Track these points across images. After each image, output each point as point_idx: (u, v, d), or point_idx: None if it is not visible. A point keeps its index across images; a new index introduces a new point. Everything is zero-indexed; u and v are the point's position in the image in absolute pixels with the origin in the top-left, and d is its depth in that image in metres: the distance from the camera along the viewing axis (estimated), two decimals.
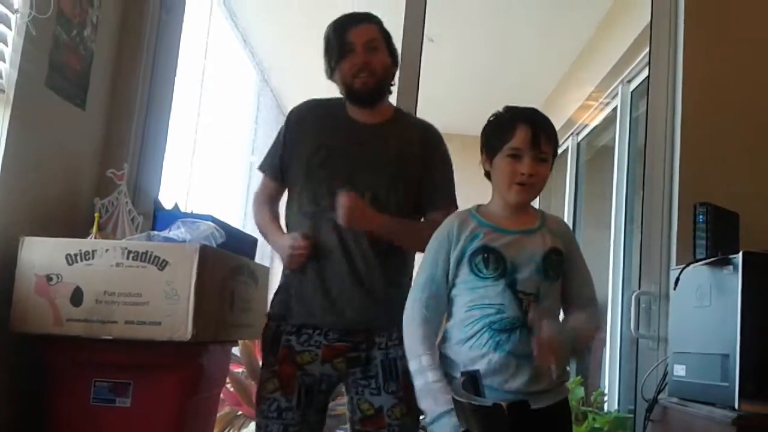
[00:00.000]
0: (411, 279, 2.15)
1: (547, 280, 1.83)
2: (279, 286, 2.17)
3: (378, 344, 2.07)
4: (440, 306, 1.87)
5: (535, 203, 2.02)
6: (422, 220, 2.18)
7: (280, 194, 2.27)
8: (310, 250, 2.05)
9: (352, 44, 2.09)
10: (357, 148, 2.11)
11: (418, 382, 1.80)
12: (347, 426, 2.16)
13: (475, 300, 1.82)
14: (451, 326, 1.86)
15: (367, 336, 2.07)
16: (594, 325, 1.96)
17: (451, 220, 1.91)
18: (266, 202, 2.26)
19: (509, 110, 1.89)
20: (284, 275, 2.17)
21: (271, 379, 2.07)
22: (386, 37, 2.18)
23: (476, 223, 1.86)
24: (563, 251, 1.87)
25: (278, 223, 2.23)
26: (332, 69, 2.14)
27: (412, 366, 1.82)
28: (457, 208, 2.16)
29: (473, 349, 1.79)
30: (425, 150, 2.18)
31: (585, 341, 1.99)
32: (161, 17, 2.83)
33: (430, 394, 1.77)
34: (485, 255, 1.81)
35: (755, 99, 2.74)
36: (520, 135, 1.81)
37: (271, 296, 2.85)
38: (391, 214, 2.07)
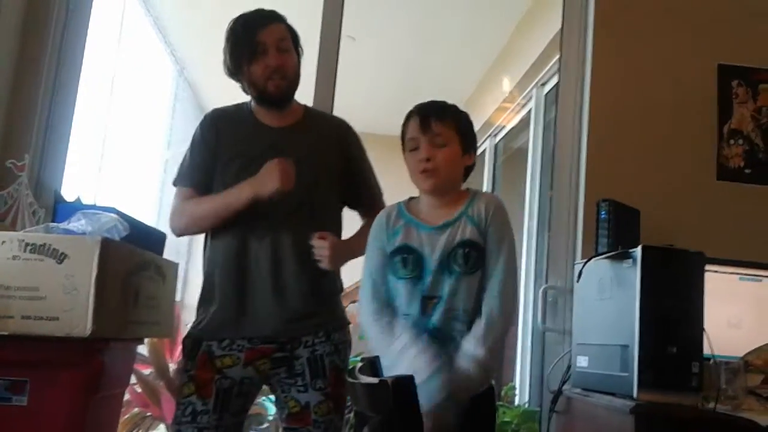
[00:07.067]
0: (338, 290, 2.17)
1: (453, 275, 1.76)
2: (201, 295, 2.13)
3: (304, 342, 2.04)
4: (385, 296, 1.83)
5: None
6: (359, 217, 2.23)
7: None
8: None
9: (264, 44, 2.05)
10: (273, 153, 2.04)
11: (405, 363, 1.69)
12: (262, 426, 2.14)
13: (401, 306, 1.80)
14: None
15: (292, 338, 2.04)
16: (478, 370, 1.72)
17: (380, 216, 1.89)
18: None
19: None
20: (207, 283, 2.11)
21: (187, 384, 2.02)
22: (294, 36, 2.15)
23: (401, 218, 1.85)
24: (480, 242, 1.78)
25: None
26: (240, 69, 2.08)
27: (387, 358, 1.71)
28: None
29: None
30: (342, 146, 2.18)
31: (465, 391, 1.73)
32: (69, 6, 2.73)
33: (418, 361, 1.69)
34: (404, 255, 1.79)
35: (657, 103, 2.86)
36: (411, 125, 1.85)
37: (181, 294, 2.79)
38: (317, 212, 2.07)
